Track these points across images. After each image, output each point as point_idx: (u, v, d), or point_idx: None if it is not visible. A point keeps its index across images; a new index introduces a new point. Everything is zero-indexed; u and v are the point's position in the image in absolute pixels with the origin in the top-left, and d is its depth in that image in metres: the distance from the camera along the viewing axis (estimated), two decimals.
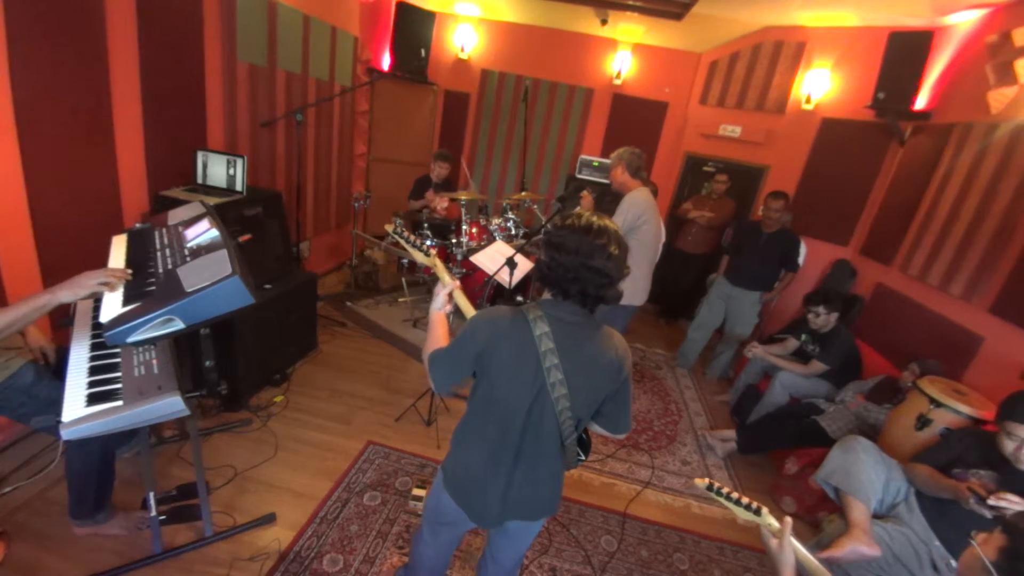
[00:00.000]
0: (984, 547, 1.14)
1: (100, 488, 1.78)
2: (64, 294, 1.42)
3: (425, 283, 4.57)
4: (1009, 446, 1.74)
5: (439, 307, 1.46)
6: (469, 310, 1.52)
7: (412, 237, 1.54)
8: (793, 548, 1.18)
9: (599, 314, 1.28)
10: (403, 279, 4.51)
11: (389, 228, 1.58)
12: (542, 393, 1.20)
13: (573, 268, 1.16)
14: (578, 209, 1.29)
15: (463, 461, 1.32)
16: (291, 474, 2.32)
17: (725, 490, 1.24)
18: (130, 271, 1.57)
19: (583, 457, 1.40)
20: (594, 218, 1.20)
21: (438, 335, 1.36)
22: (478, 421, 1.29)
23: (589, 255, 1.15)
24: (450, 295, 1.48)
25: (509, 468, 1.26)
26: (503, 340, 1.19)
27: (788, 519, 1.21)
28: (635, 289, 2.88)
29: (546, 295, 1.28)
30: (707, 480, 1.26)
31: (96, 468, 1.73)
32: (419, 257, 1.56)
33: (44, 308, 1.41)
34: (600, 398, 1.28)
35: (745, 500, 1.23)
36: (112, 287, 1.48)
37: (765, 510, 1.23)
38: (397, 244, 1.56)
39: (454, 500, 1.33)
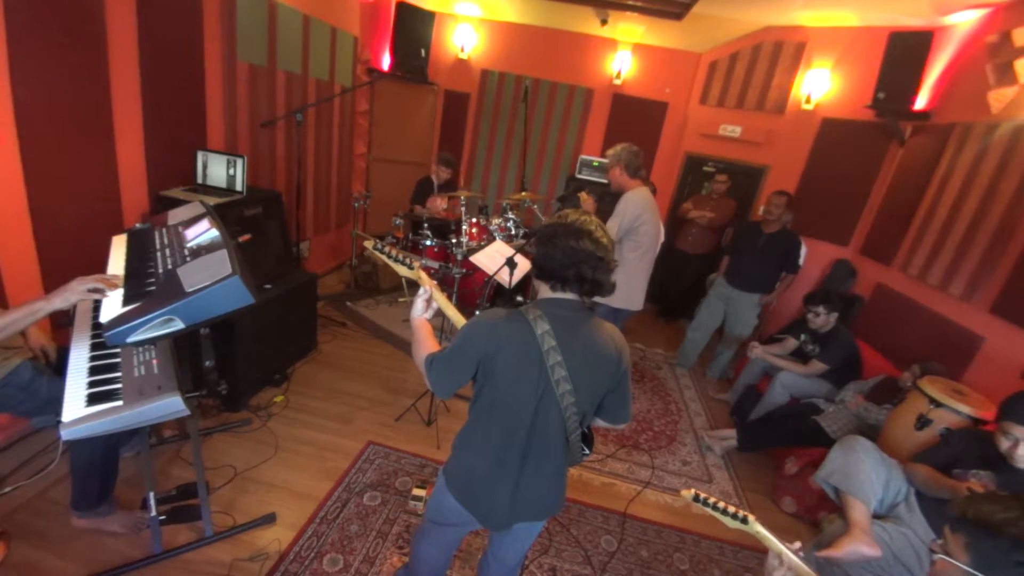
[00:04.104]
0: (954, 555, 1.10)
1: (104, 480, 1.78)
2: (57, 301, 1.46)
3: None
4: (1004, 444, 1.74)
5: (419, 313, 1.42)
6: (449, 309, 1.50)
7: (394, 252, 1.48)
8: (794, 566, 1.16)
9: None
10: (403, 279, 4.52)
11: (369, 245, 1.52)
12: (547, 392, 1.20)
13: (566, 252, 1.20)
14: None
15: (468, 465, 1.32)
16: (291, 474, 2.32)
17: (712, 500, 1.24)
18: (121, 277, 1.60)
19: (587, 452, 1.41)
20: (575, 214, 1.26)
21: (425, 339, 1.35)
22: (482, 425, 1.29)
23: (577, 237, 1.20)
24: (428, 300, 1.42)
25: (516, 470, 1.27)
26: (505, 343, 1.19)
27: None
28: (632, 293, 2.85)
29: (544, 292, 1.29)
30: (693, 491, 1.27)
31: (100, 459, 1.74)
32: (403, 271, 1.50)
33: (37, 314, 1.45)
34: (602, 391, 1.30)
35: (732, 509, 1.23)
36: (103, 294, 1.51)
37: (752, 518, 1.22)
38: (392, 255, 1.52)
39: (460, 504, 1.32)
